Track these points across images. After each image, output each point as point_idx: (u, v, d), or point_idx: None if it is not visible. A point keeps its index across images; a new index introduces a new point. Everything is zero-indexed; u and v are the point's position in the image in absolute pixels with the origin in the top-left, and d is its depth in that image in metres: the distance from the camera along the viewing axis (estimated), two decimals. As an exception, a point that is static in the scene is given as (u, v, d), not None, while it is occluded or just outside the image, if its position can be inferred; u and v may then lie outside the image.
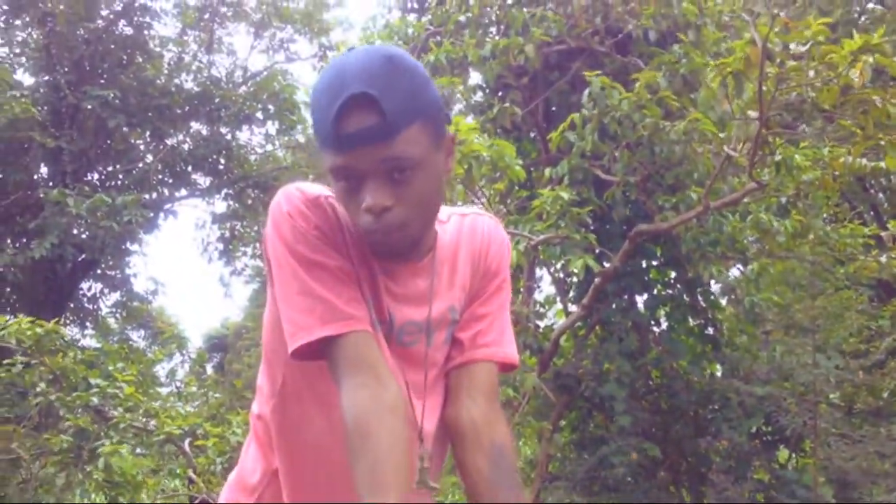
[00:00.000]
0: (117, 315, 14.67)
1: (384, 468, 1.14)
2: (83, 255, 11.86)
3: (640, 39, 6.29)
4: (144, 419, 6.55)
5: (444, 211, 1.44)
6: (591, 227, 6.37)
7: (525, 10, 6.47)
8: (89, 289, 13.73)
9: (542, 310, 8.33)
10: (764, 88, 4.25)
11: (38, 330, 6.34)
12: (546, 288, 9.45)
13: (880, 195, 19.14)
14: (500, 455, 1.32)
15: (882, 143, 4.64)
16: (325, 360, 1.27)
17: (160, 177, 13.54)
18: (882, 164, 5.84)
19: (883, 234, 7.21)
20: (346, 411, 1.20)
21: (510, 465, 1.33)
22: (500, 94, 7.08)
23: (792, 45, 4.33)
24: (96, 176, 13.56)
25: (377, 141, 1.18)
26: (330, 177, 1.25)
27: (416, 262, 1.38)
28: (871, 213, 15.62)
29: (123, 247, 12.27)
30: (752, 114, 4.39)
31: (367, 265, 1.34)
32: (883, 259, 7.08)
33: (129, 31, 13.22)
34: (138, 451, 6.96)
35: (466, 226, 1.47)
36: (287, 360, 1.34)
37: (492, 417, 1.37)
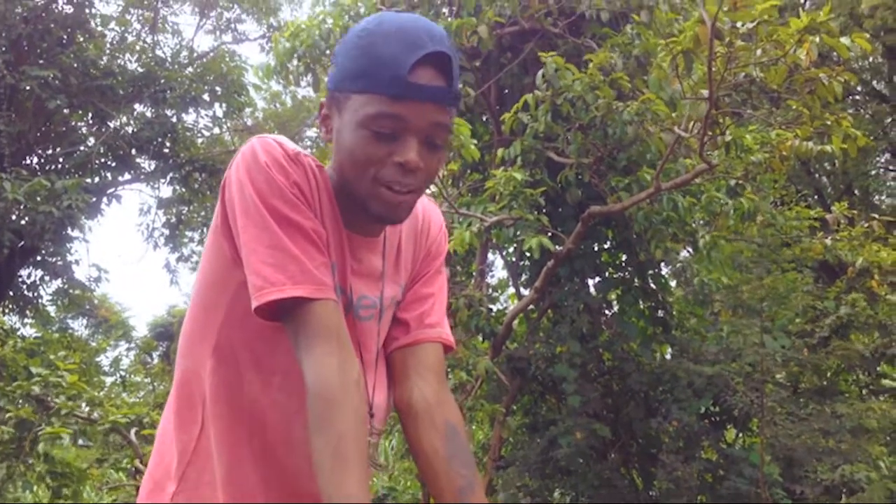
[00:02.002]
0: (59, 303, 14.28)
1: (348, 441, 1.12)
2: (22, 242, 11.48)
3: (594, 20, 6.28)
4: (88, 408, 6.38)
5: None
6: (544, 210, 6.35)
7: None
8: (29, 276, 13.31)
9: (494, 294, 8.32)
10: (713, 69, 4.25)
11: (-25, 317, 6.12)
12: (498, 273, 9.46)
13: (824, 179, 19.59)
14: (455, 433, 1.32)
15: (828, 122, 4.67)
16: (280, 322, 1.22)
17: (103, 160, 13.17)
18: (828, 147, 5.92)
19: (828, 216, 7.34)
20: (311, 378, 1.16)
21: (464, 443, 1.32)
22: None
23: (739, 25, 4.34)
24: (35, 159, 13.16)
25: (441, 103, 1.21)
26: (364, 121, 1.21)
27: (373, 237, 1.38)
28: (816, 196, 15.99)
29: (64, 233, 11.88)
30: (703, 93, 4.39)
31: (337, 232, 1.32)
32: (828, 241, 7.22)
33: (69, 9, 12.79)
34: (81, 442, 6.77)
35: None
36: (225, 320, 1.30)
37: (443, 396, 1.37)
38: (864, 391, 7.74)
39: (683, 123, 5.01)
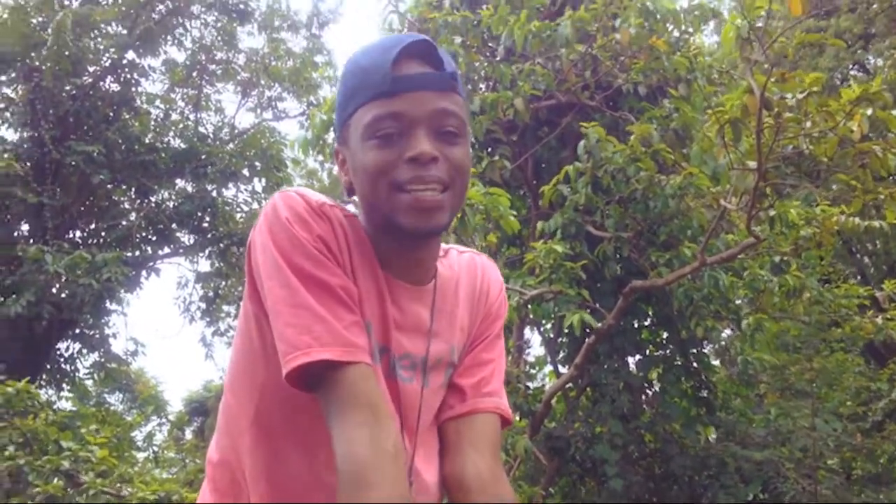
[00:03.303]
0: (95, 376, 14.28)
1: None
2: (61, 314, 11.56)
3: (631, 94, 6.24)
4: (119, 485, 6.26)
5: (441, 245, 1.33)
6: (584, 284, 6.23)
7: (513, 66, 6.42)
8: (67, 349, 13.36)
9: (532, 371, 8.14)
10: (762, 140, 4.15)
11: (9, 389, 6.09)
12: (536, 350, 9.28)
13: (866, 259, 19.23)
14: None
15: (881, 196, 4.53)
16: (311, 391, 1.12)
17: (143, 234, 13.34)
18: (876, 223, 5.77)
19: (878, 294, 7.12)
20: (341, 454, 1.05)
21: None
22: (489, 149, 7.00)
23: (788, 96, 4.25)
24: (78, 233, 13.36)
25: (435, 88, 1.16)
26: (367, 133, 1.15)
27: (418, 285, 1.26)
28: (859, 277, 15.63)
29: (103, 305, 11.98)
30: (751, 164, 4.28)
31: (375, 284, 1.21)
32: (878, 320, 6.98)
33: (116, 87, 13.17)
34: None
35: (465, 263, 1.37)
36: (263, 390, 1.19)
37: (497, 473, 1.25)
38: (921, 479, 7.36)
39: (728, 196, 4.89)
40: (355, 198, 1.24)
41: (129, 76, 13.27)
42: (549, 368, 8.25)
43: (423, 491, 1.24)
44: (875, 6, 15.60)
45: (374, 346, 1.18)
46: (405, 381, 1.24)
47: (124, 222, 13.17)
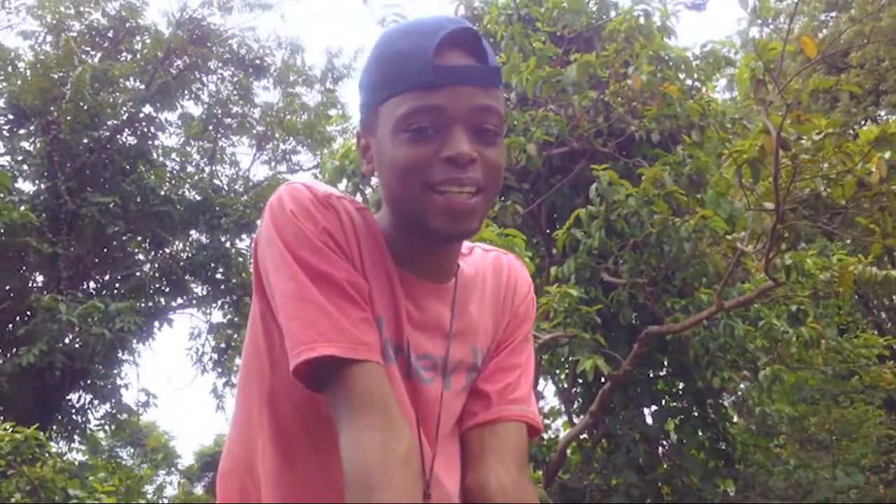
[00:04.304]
0: (106, 428, 14.18)
1: None
2: (73, 364, 11.53)
3: (644, 141, 6.25)
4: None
5: (465, 243, 1.26)
6: (598, 330, 6.16)
7: (526, 113, 6.46)
8: (78, 399, 13.30)
9: (546, 421, 8.02)
10: (779, 181, 4.13)
11: (17, 436, 6.04)
12: (550, 400, 9.16)
13: (882, 314, 19.05)
14: None
15: (901, 240, 4.48)
16: (318, 390, 1.06)
17: (157, 285, 13.38)
18: (893, 273, 5.70)
19: (897, 344, 7.02)
20: (348, 458, 0.99)
21: None
22: (502, 197, 7.01)
23: (804, 139, 4.24)
24: (92, 283, 13.43)
25: (480, 82, 1.08)
26: (400, 125, 1.07)
27: (438, 283, 1.20)
28: (876, 331, 15.44)
29: (115, 355, 11.96)
30: (768, 205, 4.25)
31: (387, 279, 1.15)
32: (899, 369, 6.87)
33: (132, 140, 13.36)
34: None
35: (491, 261, 1.30)
36: (272, 393, 1.14)
37: (523, 486, 1.17)
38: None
39: (745, 240, 4.85)
40: (373, 183, 1.18)
41: (145, 129, 13.47)
42: (563, 419, 8.13)
43: (444, 500, 1.17)
44: (885, 63, 15.73)
45: (386, 344, 1.13)
46: (426, 383, 1.18)
47: (138, 273, 13.24)
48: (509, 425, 1.22)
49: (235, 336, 14.70)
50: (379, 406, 1.02)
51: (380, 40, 1.14)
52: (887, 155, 4.11)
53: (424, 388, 1.18)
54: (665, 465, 6.94)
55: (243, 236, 13.61)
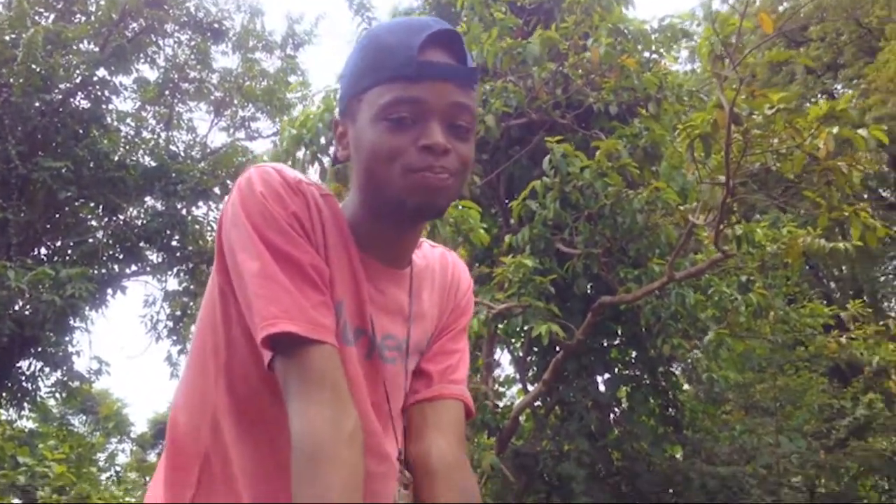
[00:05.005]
0: (57, 396, 14.01)
1: (334, 500, 0.99)
2: (23, 331, 11.34)
3: (602, 113, 6.31)
4: (77, 502, 6.14)
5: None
6: (553, 300, 6.25)
7: (486, 84, 6.47)
8: (28, 367, 13.09)
9: (501, 389, 8.13)
10: (730, 155, 4.22)
11: (-36, 404, 5.97)
12: (505, 369, 9.28)
13: (832, 284, 19.51)
14: (473, 500, 1.20)
15: (846, 213, 4.61)
16: (272, 365, 1.10)
17: (110, 252, 13.16)
18: (841, 245, 5.86)
19: (843, 314, 7.21)
20: (297, 431, 1.04)
21: None
22: (460, 167, 7.02)
23: (756, 114, 4.33)
24: (43, 250, 13.16)
25: (458, 80, 1.16)
26: (381, 113, 1.15)
27: (398, 269, 1.27)
28: (825, 301, 15.84)
29: (66, 323, 11.78)
30: (720, 178, 4.34)
31: (350, 265, 1.21)
32: (843, 340, 7.07)
33: (86, 104, 13.06)
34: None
35: (438, 257, 1.39)
36: (226, 368, 1.18)
37: (462, 460, 1.25)
38: (883, 497, 7.44)
39: (697, 212, 4.95)
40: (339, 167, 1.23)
41: (99, 93, 13.16)
42: (517, 387, 8.25)
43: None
44: (844, 37, 15.97)
45: (344, 328, 1.18)
46: (390, 363, 1.25)
47: (91, 239, 12.99)
48: (449, 403, 1.30)
49: (191, 304, 14.56)
50: (329, 384, 1.07)
51: (367, 34, 1.22)
52: (835, 130, 4.22)
53: (390, 367, 1.25)
54: (616, 432, 7.10)
55: (200, 203, 13.41)
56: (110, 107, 13.48)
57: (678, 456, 7.37)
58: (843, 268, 17.98)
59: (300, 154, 7.09)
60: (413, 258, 1.31)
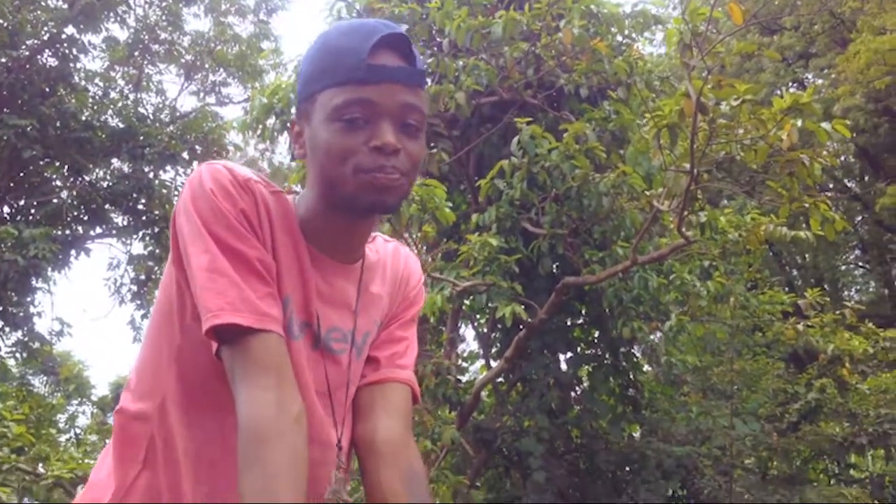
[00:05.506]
0: (17, 356, 13.87)
1: (280, 479, 1.03)
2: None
3: (572, 95, 6.33)
4: (35, 463, 6.12)
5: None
6: (518, 279, 6.30)
7: (458, 61, 6.46)
8: (-12, 326, 12.97)
9: (464, 364, 8.20)
10: (696, 144, 4.26)
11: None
12: (469, 345, 9.35)
13: (794, 272, 19.81)
14: (418, 479, 1.25)
15: (807, 205, 4.69)
16: (219, 355, 1.15)
17: (75, 213, 13.00)
18: (802, 233, 5.96)
19: (801, 301, 7.34)
20: (244, 415, 1.08)
21: (426, 492, 1.25)
22: (431, 145, 7.03)
23: (723, 104, 4.37)
24: (6, 209, 12.96)
25: (407, 82, 1.20)
26: (334, 114, 1.19)
27: (347, 263, 1.32)
28: (787, 288, 16.12)
29: (28, 283, 11.64)
30: (685, 166, 4.40)
31: (297, 261, 1.26)
32: (800, 327, 7.21)
33: (53, 62, 12.82)
34: (26, 501, 6.47)
35: (391, 250, 1.44)
36: (178, 355, 1.23)
37: (408, 441, 1.30)
38: (832, 481, 7.63)
39: (662, 198, 5.01)
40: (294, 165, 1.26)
41: (67, 51, 12.92)
42: (480, 363, 8.32)
43: (344, 448, 1.29)
44: (817, 26, 16.08)
45: (290, 320, 1.22)
46: (337, 353, 1.29)
47: (55, 200, 12.82)
48: (396, 386, 1.34)
49: (156, 268, 14.44)
50: (274, 370, 1.11)
51: (320, 37, 1.25)
52: (799, 123, 4.28)
53: (337, 357, 1.29)
54: (576, 410, 7.20)
55: (168, 168, 13.25)
56: (78, 65, 13.27)
57: (636, 435, 7.51)
58: (806, 256, 18.26)
59: (270, 122, 7.05)
60: (366, 252, 1.36)
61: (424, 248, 7.15)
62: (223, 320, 1.11)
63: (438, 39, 6.85)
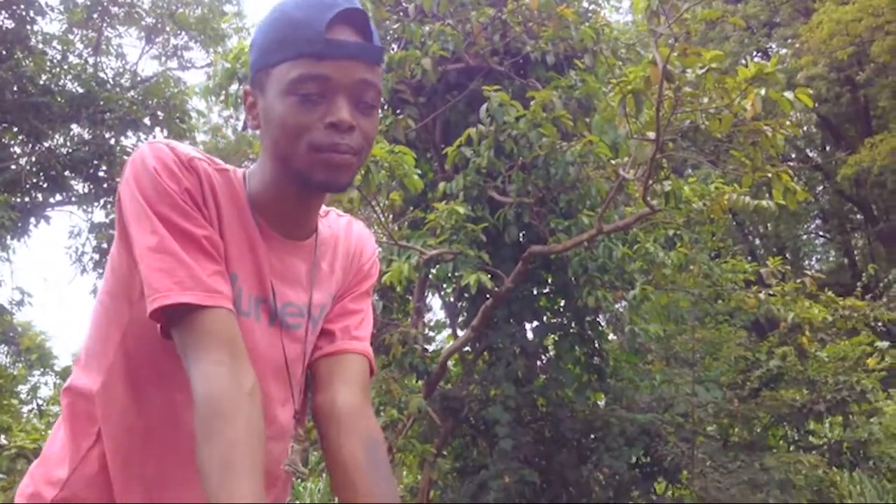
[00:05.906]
0: (-24, 325, 13.67)
1: (237, 450, 1.04)
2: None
3: (539, 62, 6.29)
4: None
5: (322, 206, 1.40)
6: (484, 248, 6.29)
7: (424, 26, 6.38)
8: (-53, 296, 12.75)
9: (431, 334, 8.21)
10: (661, 112, 4.26)
11: None
12: (436, 314, 9.36)
13: (757, 241, 20.06)
14: (377, 446, 1.26)
15: (769, 175, 4.72)
16: (169, 335, 1.15)
17: (34, 180, 12.76)
18: (764, 202, 6.01)
19: (762, 270, 7.43)
20: (199, 391, 1.08)
21: (385, 458, 1.26)
22: (397, 111, 6.96)
23: (689, 72, 4.37)
24: (-38, 175, 12.68)
25: (364, 59, 1.19)
26: (289, 88, 1.17)
27: (299, 240, 1.32)
28: (749, 257, 16.34)
29: (-13, 251, 11.45)
30: (650, 135, 4.40)
31: (247, 237, 1.25)
32: (762, 295, 7.29)
33: (9, 24, 12.49)
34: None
35: (343, 225, 1.45)
36: (126, 334, 1.22)
37: (366, 409, 1.31)
38: (791, 447, 7.78)
39: (627, 167, 5.01)
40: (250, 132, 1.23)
41: (24, 13, 12.60)
42: (447, 332, 8.34)
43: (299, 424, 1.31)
44: (782, -5, 16.16)
45: (238, 296, 1.22)
46: (294, 328, 1.30)
47: (13, 166, 12.56)
48: (352, 356, 1.35)
49: (119, 236, 14.22)
50: (226, 344, 1.11)
51: (275, 8, 1.23)
52: (763, 92, 4.29)
53: (292, 333, 1.30)
54: (542, 378, 7.25)
55: (129, 133, 13.03)
56: (35, 28, 12.96)
57: (600, 403, 7.58)
58: (768, 225, 18.50)
59: (233, 89, 6.92)
60: (319, 227, 1.36)
61: (391, 216, 7.12)
62: (172, 300, 1.10)
63: (405, 4, 6.77)
